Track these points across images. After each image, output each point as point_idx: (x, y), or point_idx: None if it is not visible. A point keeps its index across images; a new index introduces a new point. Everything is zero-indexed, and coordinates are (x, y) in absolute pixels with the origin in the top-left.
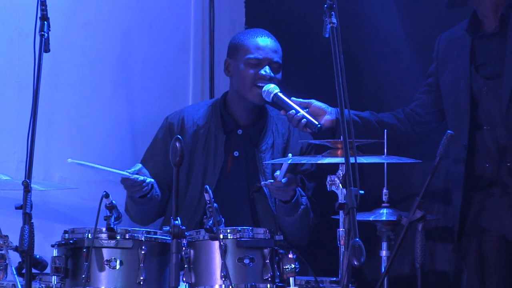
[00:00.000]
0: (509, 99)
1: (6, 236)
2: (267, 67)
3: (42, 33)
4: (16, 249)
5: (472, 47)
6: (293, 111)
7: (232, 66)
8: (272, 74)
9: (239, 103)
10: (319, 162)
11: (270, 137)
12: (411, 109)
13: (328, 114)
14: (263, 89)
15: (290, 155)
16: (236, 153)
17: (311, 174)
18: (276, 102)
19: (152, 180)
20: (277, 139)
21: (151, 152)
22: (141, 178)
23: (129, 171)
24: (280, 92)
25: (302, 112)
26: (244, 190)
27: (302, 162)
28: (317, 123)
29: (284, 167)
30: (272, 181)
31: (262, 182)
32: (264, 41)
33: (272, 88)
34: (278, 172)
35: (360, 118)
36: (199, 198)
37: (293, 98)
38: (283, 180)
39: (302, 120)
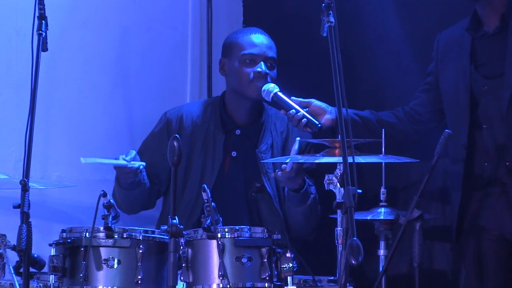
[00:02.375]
0: (509, 99)
1: (4, 235)
2: (262, 63)
3: (40, 32)
4: (14, 248)
5: (472, 46)
6: (293, 110)
7: (227, 65)
8: (267, 70)
9: (237, 101)
10: (316, 161)
11: (269, 137)
12: (410, 108)
13: (328, 113)
14: (263, 88)
15: (297, 139)
16: (234, 153)
17: (312, 172)
18: (276, 102)
19: (143, 163)
20: (276, 138)
21: (146, 145)
22: (137, 164)
23: (126, 158)
24: (280, 91)
25: (302, 111)
26: (241, 190)
27: (300, 161)
28: (317, 122)
29: (295, 149)
30: (280, 172)
31: (266, 181)
32: (258, 38)
33: (272, 88)
34: (286, 162)
35: (359, 117)
36: (197, 197)
37: (293, 98)
38: (289, 168)
39: (303, 120)
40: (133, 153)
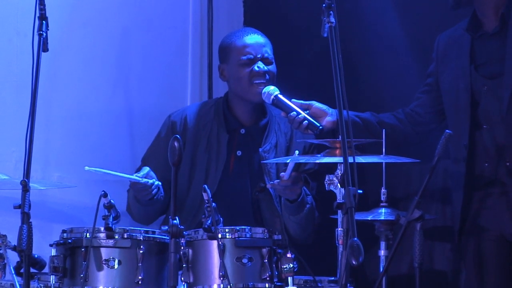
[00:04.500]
0: (509, 99)
1: (5, 236)
2: (259, 62)
3: (41, 32)
4: (14, 248)
5: (472, 46)
6: (294, 112)
7: (226, 70)
8: (265, 68)
9: (240, 103)
10: (317, 161)
11: (273, 137)
12: (411, 109)
13: (329, 115)
14: (263, 91)
15: (296, 152)
16: (239, 153)
17: (314, 173)
18: (277, 104)
19: (159, 183)
20: (280, 139)
21: (153, 150)
22: (150, 181)
23: (139, 175)
24: (280, 93)
25: (303, 113)
26: (246, 189)
27: (301, 161)
28: (318, 124)
29: (291, 165)
30: (278, 180)
31: (270, 182)
32: (252, 38)
33: (272, 90)
34: (283, 173)
35: (360, 119)
36: (201, 198)
37: (293, 100)
38: (287, 177)
39: (304, 122)
40: (147, 169)
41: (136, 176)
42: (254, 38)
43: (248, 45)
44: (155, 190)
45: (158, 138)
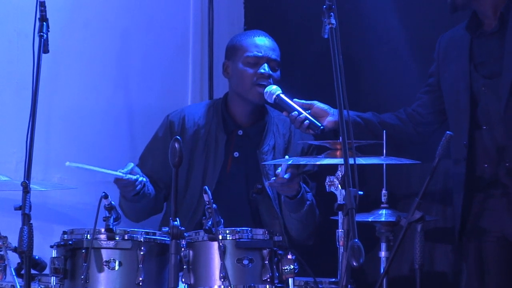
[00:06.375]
0: (507, 99)
1: (5, 237)
2: (265, 65)
3: (41, 34)
4: (15, 250)
5: (471, 46)
6: (296, 112)
7: (231, 67)
8: (270, 72)
9: (239, 104)
10: (318, 163)
11: (272, 139)
12: (413, 109)
13: (331, 115)
14: (265, 90)
15: (286, 157)
16: (236, 154)
17: (314, 174)
18: (279, 104)
19: (144, 179)
20: (278, 140)
21: (150, 149)
22: (134, 177)
23: (122, 171)
24: (283, 93)
25: (304, 113)
26: (243, 190)
27: (301, 163)
28: (319, 124)
29: (284, 165)
30: (274, 178)
31: (266, 182)
32: (262, 40)
33: (274, 90)
34: (279, 170)
35: (362, 119)
36: (199, 198)
37: (295, 100)
38: (286, 176)
39: (305, 122)
40: (131, 165)
41: (119, 172)
42: (264, 41)
43: (257, 45)
44: (139, 186)
45: (155, 138)
